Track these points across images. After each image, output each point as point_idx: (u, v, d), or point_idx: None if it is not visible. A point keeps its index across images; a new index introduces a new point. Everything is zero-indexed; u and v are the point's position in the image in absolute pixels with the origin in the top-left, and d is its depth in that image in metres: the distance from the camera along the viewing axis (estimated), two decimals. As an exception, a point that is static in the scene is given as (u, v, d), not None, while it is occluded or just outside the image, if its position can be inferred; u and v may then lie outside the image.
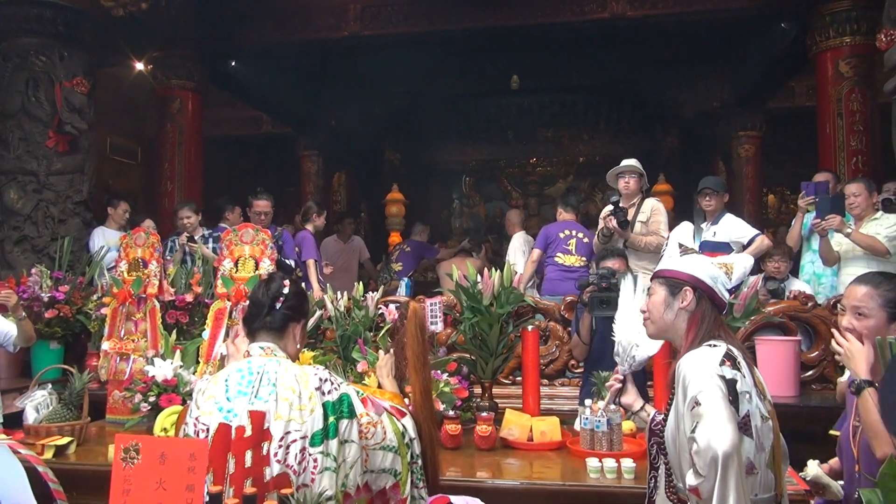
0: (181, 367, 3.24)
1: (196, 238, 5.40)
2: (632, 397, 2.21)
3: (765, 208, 9.74)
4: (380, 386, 2.24)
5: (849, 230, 4.13)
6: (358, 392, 1.83)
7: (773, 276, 4.73)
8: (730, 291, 1.88)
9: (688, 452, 1.67)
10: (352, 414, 1.74)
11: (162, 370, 3.18)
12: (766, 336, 3.80)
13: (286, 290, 1.90)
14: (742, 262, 1.89)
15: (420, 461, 1.91)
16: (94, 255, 5.08)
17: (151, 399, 3.11)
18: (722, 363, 1.71)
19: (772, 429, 1.75)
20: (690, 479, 1.65)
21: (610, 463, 2.43)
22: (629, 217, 4.68)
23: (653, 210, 4.69)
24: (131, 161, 9.37)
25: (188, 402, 3.03)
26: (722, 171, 9.13)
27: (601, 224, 4.84)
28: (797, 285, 4.52)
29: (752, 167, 8.39)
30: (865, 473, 1.86)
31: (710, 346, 1.78)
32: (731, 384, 1.68)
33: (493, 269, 3.47)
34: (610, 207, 4.68)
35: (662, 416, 1.85)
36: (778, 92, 8.46)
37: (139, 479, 1.04)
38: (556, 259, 5.26)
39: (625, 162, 4.81)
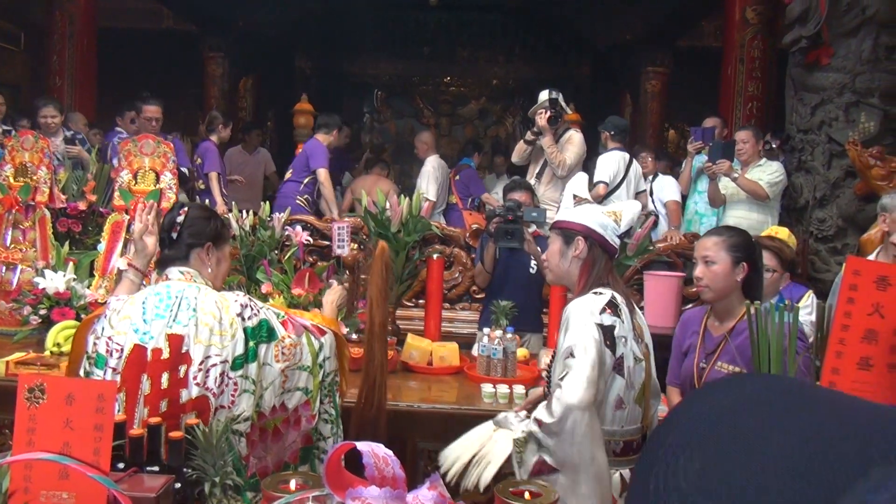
0: (74, 280, 3.13)
1: (58, 140, 5.09)
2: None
3: (665, 143, 10.12)
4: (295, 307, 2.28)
5: (735, 175, 4.38)
6: (278, 314, 1.86)
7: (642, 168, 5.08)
8: (620, 237, 2.02)
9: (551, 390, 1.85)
10: (271, 338, 1.78)
11: (53, 283, 3.06)
12: (654, 271, 4.07)
13: (180, 218, 1.87)
14: (630, 209, 2.02)
15: (331, 378, 1.98)
16: None
17: (42, 312, 3.01)
18: (603, 311, 1.86)
19: (644, 369, 1.93)
20: (540, 412, 1.82)
21: (503, 389, 2.59)
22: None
23: (570, 137, 4.74)
24: (13, 47, 8.58)
25: (84, 318, 2.97)
26: (629, 104, 9.36)
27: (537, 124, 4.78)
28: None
29: (657, 103, 8.65)
30: None
31: (596, 293, 1.92)
32: (608, 330, 1.84)
33: (402, 195, 3.50)
34: (544, 100, 4.66)
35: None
36: (688, 30, 8.66)
37: (45, 418, 1.04)
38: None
39: (542, 97, 4.81)
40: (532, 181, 4.59)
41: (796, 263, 3.35)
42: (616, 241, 2.05)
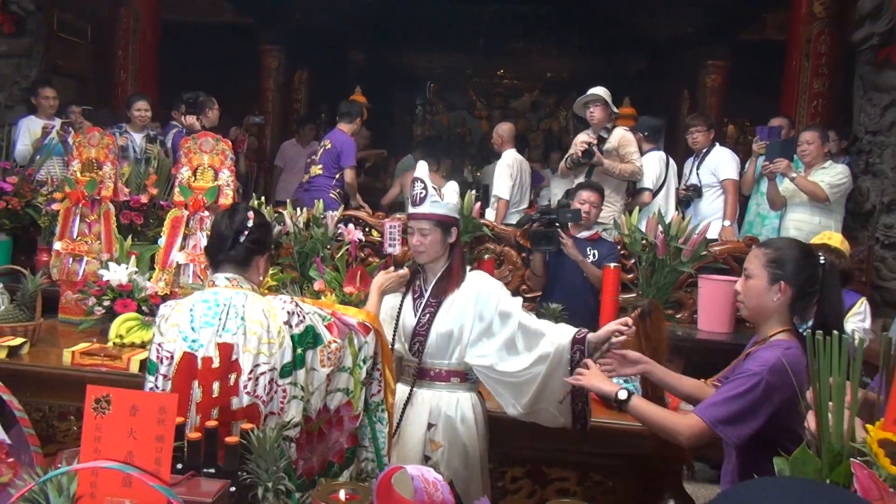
0: (136, 272, 3.24)
1: (141, 136, 5.25)
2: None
3: (724, 138, 9.85)
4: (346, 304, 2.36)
5: (794, 175, 4.22)
6: (324, 318, 1.85)
7: (692, 146, 4.94)
8: None
9: None
10: (316, 343, 1.79)
11: (117, 275, 3.17)
12: (710, 275, 3.96)
13: (250, 223, 1.87)
14: (451, 188, 2.33)
15: (376, 378, 2.00)
16: (23, 143, 4.88)
17: (106, 303, 3.13)
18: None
19: None
20: None
21: (551, 394, 2.57)
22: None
23: (621, 140, 4.66)
24: (80, 40, 8.86)
25: (143, 308, 3.08)
26: (686, 99, 9.14)
27: (572, 149, 4.81)
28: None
29: (716, 98, 8.40)
30: None
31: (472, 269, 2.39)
32: None
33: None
34: (584, 137, 4.64)
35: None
36: (750, 23, 8.39)
37: (110, 428, 1.09)
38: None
39: (591, 90, 4.73)
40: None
41: (851, 273, 3.19)
42: None
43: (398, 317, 2.37)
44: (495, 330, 2.23)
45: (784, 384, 1.76)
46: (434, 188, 2.27)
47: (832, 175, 4.24)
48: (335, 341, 1.83)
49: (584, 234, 3.60)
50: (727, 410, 1.79)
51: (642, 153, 4.91)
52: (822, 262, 1.90)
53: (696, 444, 1.86)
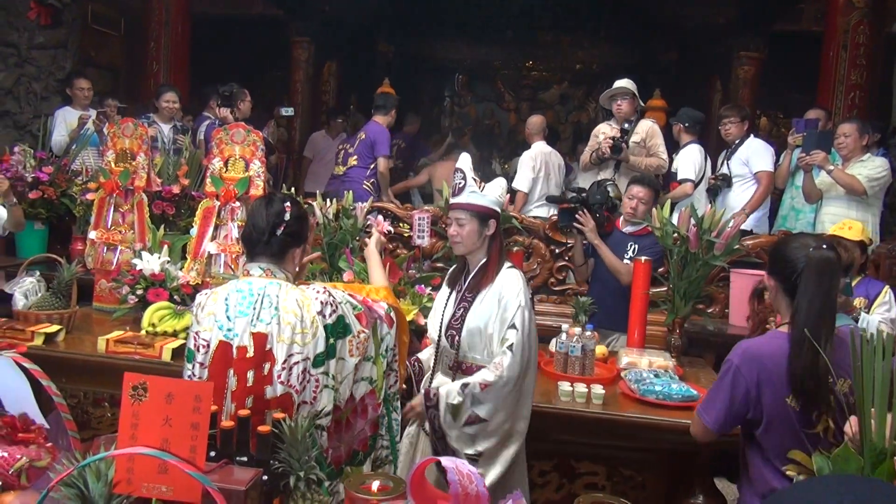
0: (168, 262, 3.29)
1: (168, 128, 5.31)
2: None
3: (756, 130, 9.67)
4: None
5: (831, 167, 4.13)
6: (354, 307, 1.85)
7: (725, 138, 4.85)
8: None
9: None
10: (346, 333, 1.80)
11: (150, 264, 3.22)
12: (742, 269, 3.90)
13: (287, 216, 1.85)
14: (497, 184, 2.36)
15: (394, 368, 2.01)
16: (60, 133, 4.96)
17: (139, 292, 3.17)
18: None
19: None
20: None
21: (580, 388, 2.56)
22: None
23: (649, 132, 4.63)
24: (114, 32, 8.98)
25: (175, 298, 3.12)
26: (718, 90, 8.98)
27: (592, 141, 4.79)
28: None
29: (749, 90, 8.22)
30: None
31: (511, 266, 2.35)
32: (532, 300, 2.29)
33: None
34: (608, 131, 4.62)
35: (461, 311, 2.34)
36: (786, 13, 8.21)
37: (146, 415, 1.10)
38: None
39: (618, 83, 4.67)
40: (611, 174, 4.51)
41: (855, 264, 3.09)
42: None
43: (444, 310, 2.40)
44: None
45: (754, 369, 1.82)
46: (474, 179, 2.28)
47: (871, 168, 4.14)
48: (363, 331, 1.84)
49: (630, 228, 3.56)
50: (707, 398, 1.96)
51: (682, 144, 4.85)
52: (811, 250, 1.83)
53: (701, 437, 1.99)
